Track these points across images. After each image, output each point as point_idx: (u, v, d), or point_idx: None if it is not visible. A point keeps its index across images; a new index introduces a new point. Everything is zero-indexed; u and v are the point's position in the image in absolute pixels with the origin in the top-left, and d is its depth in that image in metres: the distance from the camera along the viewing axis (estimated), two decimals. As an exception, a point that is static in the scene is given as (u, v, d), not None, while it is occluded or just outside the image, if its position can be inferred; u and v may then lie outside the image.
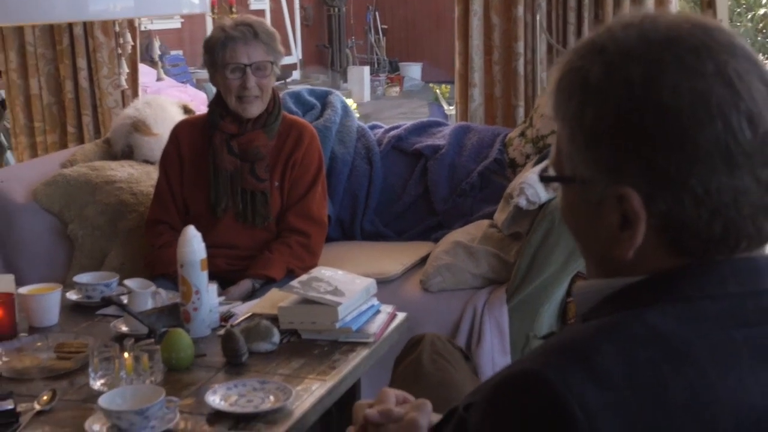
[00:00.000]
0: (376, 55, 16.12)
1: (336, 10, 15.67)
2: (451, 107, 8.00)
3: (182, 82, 9.44)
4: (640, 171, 0.98)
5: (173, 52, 12.02)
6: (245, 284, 2.93)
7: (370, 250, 3.40)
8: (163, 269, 2.94)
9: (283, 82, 12.30)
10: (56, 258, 3.44)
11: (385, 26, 16.44)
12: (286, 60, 14.48)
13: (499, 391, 0.98)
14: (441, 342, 1.91)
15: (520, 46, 3.90)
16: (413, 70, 16.37)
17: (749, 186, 0.98)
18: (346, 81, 14.75)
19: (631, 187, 0.99)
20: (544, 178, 1.12)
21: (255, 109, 2.99)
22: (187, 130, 3.12)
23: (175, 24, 12.61)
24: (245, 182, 3.00)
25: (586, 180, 1.02)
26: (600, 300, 1.07)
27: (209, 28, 13.68)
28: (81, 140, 4.52)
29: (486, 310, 2.90)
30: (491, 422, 0.98)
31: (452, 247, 3.08)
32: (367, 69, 14.66)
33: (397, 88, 15.05)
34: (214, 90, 8.22)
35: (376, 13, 16.18)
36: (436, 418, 1.50)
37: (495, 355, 2.86)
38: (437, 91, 9.41)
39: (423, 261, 3.25)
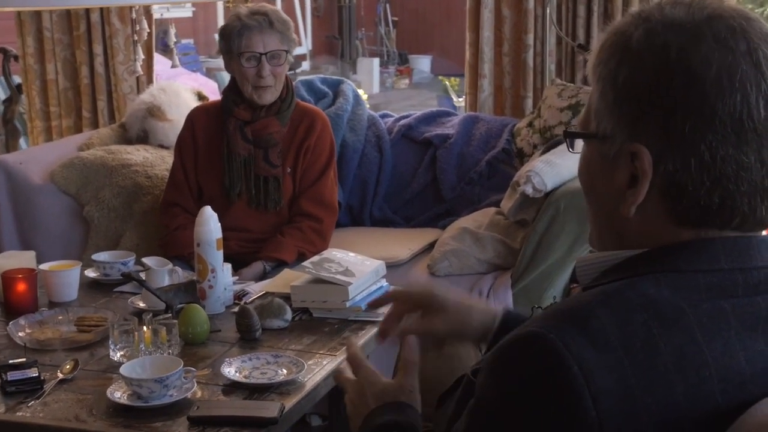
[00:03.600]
0: (386, 47, 16.14)
1: (347, 1, 15.71)
2: (460, 99, 8.05)
3: (193, 71, 9.52)
4: (657, 129, 1.06)
5: (184, 41, 12.08)
6: (257, 266, 3.01)
7: (379, 236, 3.48)
8: (178, 251, 3.03)
9: (292, 72, 12.34)
10: (72, 238, 3.52)
11: (396, 18, 16.48)
12: (296, 50, 14.61)
13: (503, 352, 1.05)
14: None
15: (530, 39, 3.96)
16: (423, 63, 16.43)
17: (752, 164, 1.05)
18: (355, 72, 14.80)
19: (644, 145, 1.07)
20: (568, 133, 1.20)
21: (269, 96, 3.07)
22: (202, 116, 3.21)
23: (187, 12, 12.67)
24: (258, 168, 3.08)
25: (606, 135, 1.10)
26: (602, 272, 1.15)
27: (221, 18, 13.73)
28: (96, 125, 4.61)
29: (491, 294, 2.98)
30: (495, 381, 1.05)
31: (459, 233, 3.15)
32: (376, 61, 14.70)
33: (407, 80, 15.09)
34: (226, 79, 8.27)
35: (387, 5, 16.20)
36: (476, 310, 1.55)
37: (499, 339, 2.93)
38: (447, 83, 9.46)
39: (430, 246, 3.33)
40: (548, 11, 3.82)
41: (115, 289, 2.65)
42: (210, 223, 2.43)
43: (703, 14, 1.07)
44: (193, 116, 3.22)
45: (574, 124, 1.23)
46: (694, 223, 1.08)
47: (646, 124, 1.06)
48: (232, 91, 3.14)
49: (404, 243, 3.35)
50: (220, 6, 13.23)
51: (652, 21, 1.09)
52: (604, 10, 3.89)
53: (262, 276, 2.97)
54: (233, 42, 3.04)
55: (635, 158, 1.07)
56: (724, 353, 1.03)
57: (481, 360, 1.37)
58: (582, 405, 0.98)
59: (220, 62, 11.58)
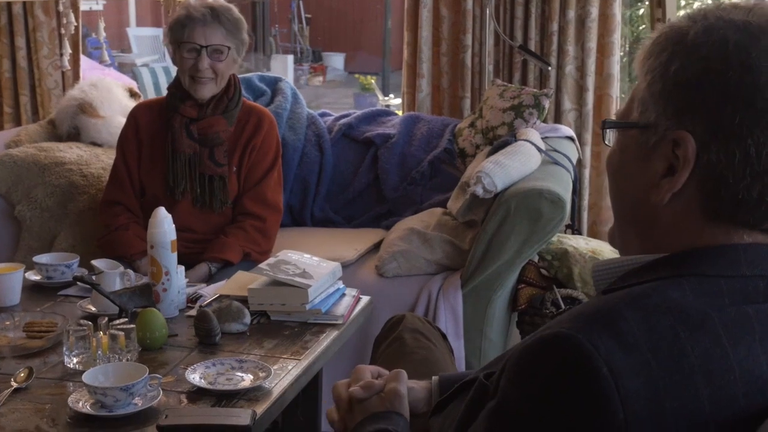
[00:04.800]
0: (299, 44, 16.07)
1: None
2: (385, 98, 8.04)
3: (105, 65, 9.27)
4: (705, 119, 1.06)
5: (95, 35, 11.76)
6: (202, 268, 2.94)
7: (323, 236, 3.45)
8: (122, 251, 2.94)
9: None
10: (2, 239, 3.39)
11: (309, 15, 16.42)
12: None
13: (530, 353, 1.04)
14: (421, 321, 1.98)
15: (468, 39, 3.98)
16: (336, 60, 16.41)
17: None
18: (269, 69, 14.67)
19: (690, 133, 1.07)
20: (607, 124, 1.20)
21: (206, 91, 3.00)
22: (146, 113, 3.12)
23: (97, 6, 12.36)
24: (204, 167, 3.01)
25: (649, 124, 1.11)
26: (620, 276, 1.14)
27: (132, 12, 13.46)
28: (18, 121, 4.46)
29: (441, 295, 2.97)
30: (521, 382, 1.04)
31: (407, 234, 3.14)
32: (290, 58, 14.59)
33: (321, 78, 15.03)
34: (144, 75, 8.06)
35: (300, 2, 16.13)
36: (413, 384, 1.56)
37: (449, 340, 2.93)
38: (372, 81, 9.47)
39: (376, 247, 3.31)
40: (488, 12, 3.84)
41: (60, 293, 2.56)
42: (164, 224, 2.36)
43: (763, 18, 1.09)
44: (136, 113, 3.13)
45: (611, 117, 1.23)
46: (726, 219, 1.09)
47: (694, 113, 1.07)
48: (177, 88, 3.06)
49: (349, 243, 3.31)
50: (131, 1, 12.96)
51: (711, 19, 1.10)
52: (542, 12, 3.93)
53: (208, 278, 2.91)
54: (177, 33, 2.99)
55: (677, 146, 1.08)
56: (747, 357, 1.04)
57: (495, 362, 1.35)
58: (611, 407, 0.97)
59: (131, 57, 11.34)
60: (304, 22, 16.15)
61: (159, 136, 3.06)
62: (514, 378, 1.05)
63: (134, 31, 12.46)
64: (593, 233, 3.93)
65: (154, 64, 10.01)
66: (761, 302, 1.07)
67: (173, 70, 8.74)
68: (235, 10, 3.05)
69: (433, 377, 1.58)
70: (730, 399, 1.02)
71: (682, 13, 3.41)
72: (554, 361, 1.00)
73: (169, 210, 2.94)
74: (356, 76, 12.23)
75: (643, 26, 6.72)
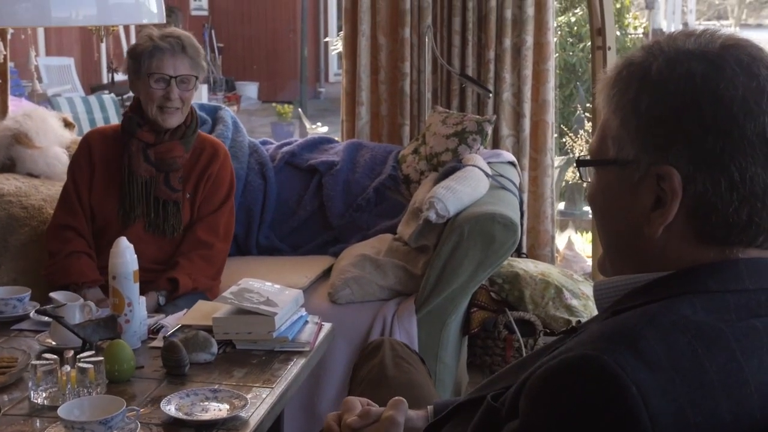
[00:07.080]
0: (212, 73, 16.00)
1: (172, 26, 15.42)
2: (313, 126, 8.04)
3: (15, 96, 9.02)
4: (686, 152, 1.09)
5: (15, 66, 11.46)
6: (151, 297, 2.88)
7: (271, 265, 3.42)
8: (75, 278, 2.88)
9: (120, 98, 11.98)
10: (-63, 274, 3.27)
11: (221, 45, 16.38)
12: (121, 77, 14.16)
13: (555, 376, 1.04)
14: (400, 346, 1.98)
15: (407, 67, 4.02)
16: (250, 89, 16.39)
17: None
18: (183, 99, 14.50)
19: (673, 167, 1.10)
20: (582, 162, 1.23)
21: (175, 120, 3.01)
22: (99, 139, 3.11)
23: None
24: (159, 191, 3.01)
25: (629, 161, 1.13)
26: (625, 294, 1.17)
27: (41, 39, 13.18)
28: (-57, 152, 4.31)
29: (396, 320, 2.98)
30: (548, 404, 1.04)
31: (358, 260, 3.14)
32: (205, 87, 14.48)
33: (235, 107, 14.97)
34: (63, 105, 7.91)
35: (212, 31, 16.08)
36: (412, 413, 1.57)
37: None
38: (299, 110, 9.45)
39: (325, 273, 3.31)
40: (427, 39, 3.89)
41: (13, 327, 2.49)
42: (126, 254, 2.32)
43: (716, 44, 1.13)
44: (89, 139, 3.12)
45: (584, 154, 1.24)
46: (720, 242, 1.12)
47: (675, 148, 1.10)
48: (135, 113, 3.05)
49: (298, 270, 3.30)
50: (40, 29, 12.68)
51: (670, 52, 1.13)
52: (479, 40, 4.00)
53: (155, 308, 2.87)
54: (143, 62, 2.97)
55: (662, 180, 1.10)
56: (759, 370, 1.07)
57: (496, 380, 1.36)
58: (641, 426, 0.99)
59: (42, 87, 11.07)
60: (216, 51, 16.08)
61: (113, 163, 3.05)
62: (540, 400, 1.05)
63: (44, 61, 12.19)
64: (532, 256, 4.00)
65: (69, 94, 9.81)
66: (765, 315, 1.11)
67: (91, 101, 8.61)
68: (194, 38, 3.06)
69: (429, 406, 1.59)
70: (748, 412, 1.05)
71: (614, 36, 3.51)
72: (582, 383, 1.02)
73: (120, 235, 2.92)
74: (274, 105, 12.20)
75: (556, 55, 6.90)
